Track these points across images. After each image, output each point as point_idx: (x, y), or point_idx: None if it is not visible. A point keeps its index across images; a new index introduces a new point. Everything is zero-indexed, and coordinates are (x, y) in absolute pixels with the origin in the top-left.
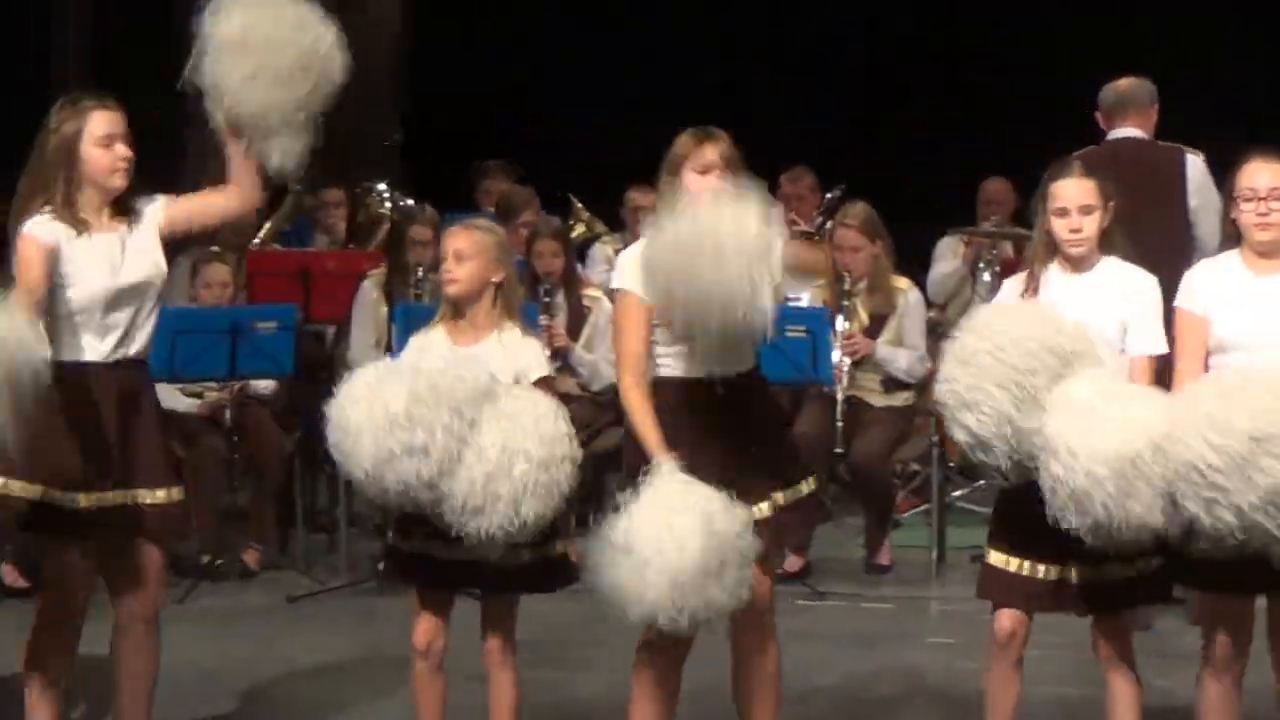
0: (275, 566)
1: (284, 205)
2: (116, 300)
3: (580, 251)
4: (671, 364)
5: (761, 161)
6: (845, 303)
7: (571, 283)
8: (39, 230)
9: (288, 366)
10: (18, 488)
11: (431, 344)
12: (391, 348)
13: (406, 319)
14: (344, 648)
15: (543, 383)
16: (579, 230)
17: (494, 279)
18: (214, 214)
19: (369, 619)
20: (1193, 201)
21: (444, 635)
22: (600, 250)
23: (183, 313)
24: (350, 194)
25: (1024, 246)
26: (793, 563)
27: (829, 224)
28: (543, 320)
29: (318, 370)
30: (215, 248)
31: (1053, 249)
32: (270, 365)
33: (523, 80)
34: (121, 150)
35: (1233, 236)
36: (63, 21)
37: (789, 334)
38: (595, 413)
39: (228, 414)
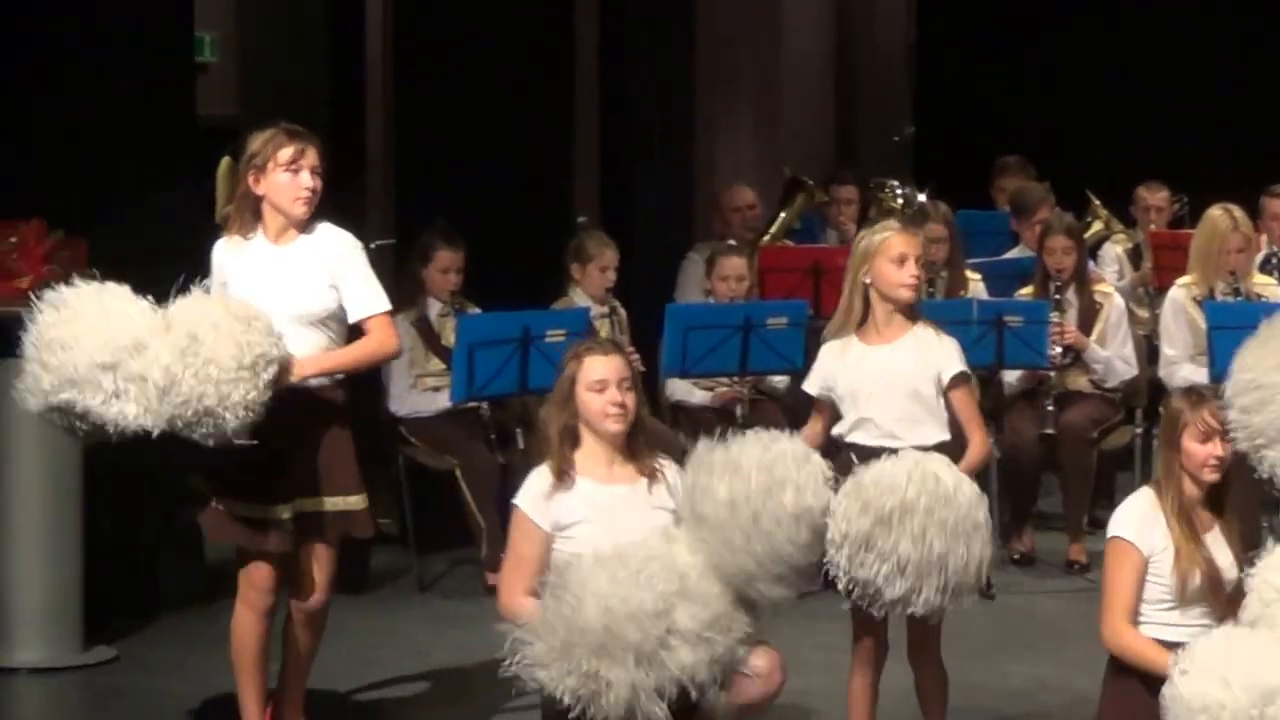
0: None
1: (795, 202)
2: None
3: (1091, 250)
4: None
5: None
6: None
7: (1083, 280)
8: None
9: (798, 363)
10: None
11: (848, 353)
12: None
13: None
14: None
15: (960, 380)
16: (1095, 228)
17: None
18: None
19: None
20: None
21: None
22: (1111, 249)
23: (695, 309)
24: (862, 191)
25: None
26: None
27: None
28: (1053, 317)
29: None
30: (731, 242)
31: None
32: (781, 361)
33: (1039, 75)
34: (615, 395)
35: None
36: None
37: None
38: (1108, 410)
39: (739, 410)
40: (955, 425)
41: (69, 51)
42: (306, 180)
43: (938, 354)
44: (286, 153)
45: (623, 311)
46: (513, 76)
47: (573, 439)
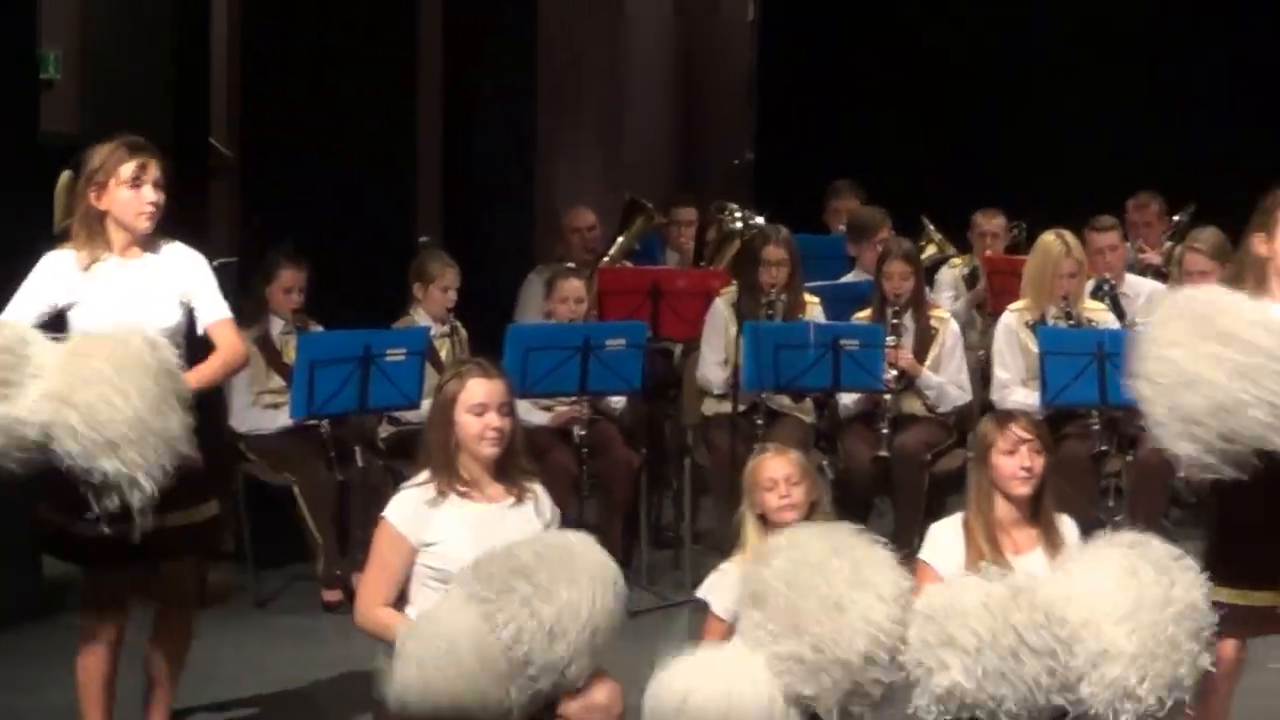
0: None
1: (634, 224)
2: None
3: (928, 274)
4: None
5: (1110, 188)
6: None
7: (920, 304)
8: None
9: (636, 383)
10: None
11: None
12: (739, 367)
13: (756, 338)
14: None
15: None
16: (929, 251)
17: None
18: None
19: None
20: None
21: None
22: (948, 273)
23: (535, 330)
24: (702, 213)
25: None
26: None
27: (1177, 249)
28: (889, 341)
29: (666, 388)
30: (570, 264)
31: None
32: (619, 382)
33: (873, 102)
34: (494, 420)
35: None
36: None
37: None
38: (940, 434)
39: (577, 430)
40: None
41: None
42: (149, 195)
43: None
44: (129, 168)
45: (463, 331)
46: (357, 96)
47: (450, 457)
